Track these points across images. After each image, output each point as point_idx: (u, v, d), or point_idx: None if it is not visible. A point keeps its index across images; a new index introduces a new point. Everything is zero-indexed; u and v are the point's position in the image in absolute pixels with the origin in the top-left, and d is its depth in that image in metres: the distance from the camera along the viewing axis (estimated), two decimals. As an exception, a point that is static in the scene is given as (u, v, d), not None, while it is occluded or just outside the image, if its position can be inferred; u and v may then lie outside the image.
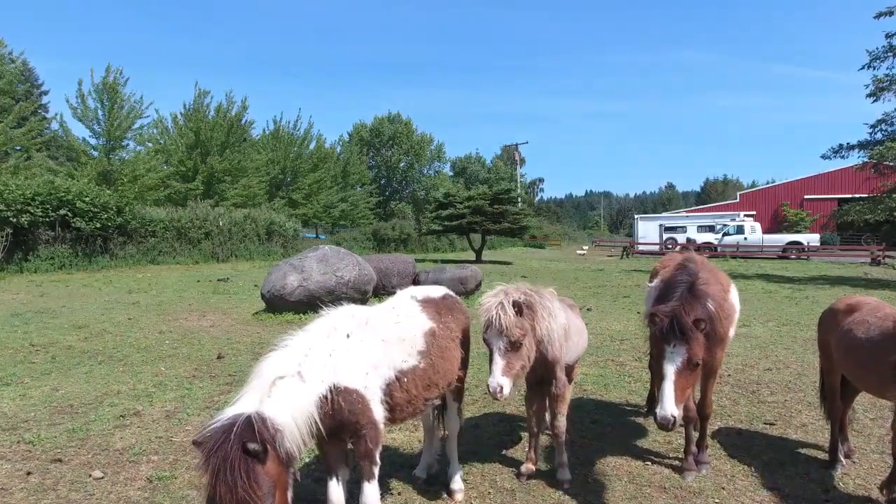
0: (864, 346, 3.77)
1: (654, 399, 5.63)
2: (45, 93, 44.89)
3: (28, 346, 8.30)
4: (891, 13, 22.80)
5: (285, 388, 2.43)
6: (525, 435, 4.89)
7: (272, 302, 11.29)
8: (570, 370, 4.42)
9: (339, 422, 2.71)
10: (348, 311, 3.13)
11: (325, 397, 2.62)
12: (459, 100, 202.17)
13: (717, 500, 3.81)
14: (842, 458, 4.36)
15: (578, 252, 42.37)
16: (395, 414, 3.05)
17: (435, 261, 27.57)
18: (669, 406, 3.31)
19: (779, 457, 4.55)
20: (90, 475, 4.07)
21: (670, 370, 3.42)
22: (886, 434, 4.74)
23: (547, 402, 4.14)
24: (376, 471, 2.94)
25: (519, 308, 3.44)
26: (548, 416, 4.24)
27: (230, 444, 2.11)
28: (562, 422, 4.04)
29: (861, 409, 5.38)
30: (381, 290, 13.25)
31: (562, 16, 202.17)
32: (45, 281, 17.77)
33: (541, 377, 3.99)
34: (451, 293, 3.92)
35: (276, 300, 11.17)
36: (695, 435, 4.33)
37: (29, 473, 4.09)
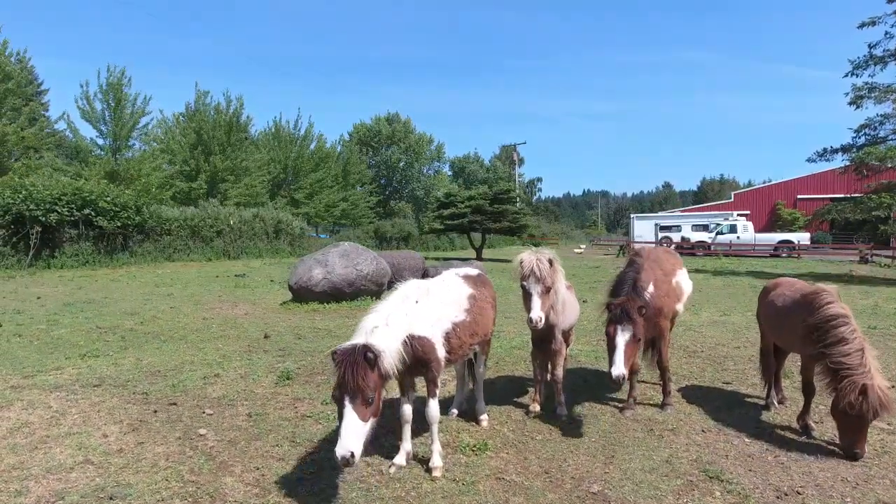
0: (780, 313, 5.07)
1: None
2: (44, 91, 44.90)
3: (96, 329, 9.55)
4: (873, 23, 24.02)
5: (380, 332, 3.66)
6: (530, 390, 6.18)
7: (299, 293, 12.53)
8: (566, 335, 5.71)
9: (417, 358, 3.94)
10: (414, 284, 4.41)
11: (406, 342, 3.85)
12: (459, 100, 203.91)
13: (673, 427, 5.11)
14: (775, 403, 5.67)
15: (575, 251, 43.67)
16: (452, 355, 4.29)
17: (437, 258, 28.82)
18: (620, 367, 4.59)
19: (728, 404, 5.85)
20: (203, 412, 5.34)
21: (621, 342, 4.69)
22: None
23: (548, 356, 5.44)
24: (437, 392, 4.20)
25: (551, 262, 4.85)
26: (549, 368, 5.54)
27: (356, 353, 3.38)
28: (559, 371, 5.35)
29: (795, 370, 6.67)
30: (394, 284, 14.49)
31: (560, 16, 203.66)
32: (75, 276, 18.90)
33: (543, 337, 5.29)
34: (483, 272, 5.24)
35: (303, 291, 12.42)
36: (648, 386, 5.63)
37: (155, 411, 5.35)
